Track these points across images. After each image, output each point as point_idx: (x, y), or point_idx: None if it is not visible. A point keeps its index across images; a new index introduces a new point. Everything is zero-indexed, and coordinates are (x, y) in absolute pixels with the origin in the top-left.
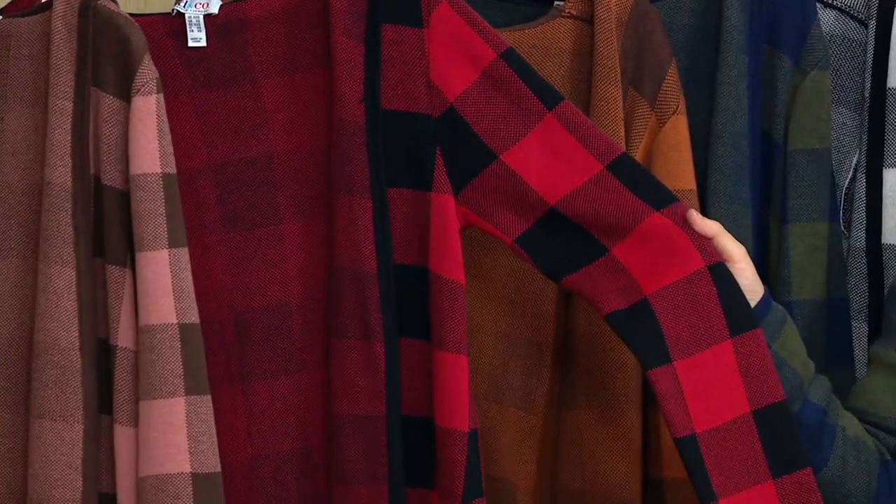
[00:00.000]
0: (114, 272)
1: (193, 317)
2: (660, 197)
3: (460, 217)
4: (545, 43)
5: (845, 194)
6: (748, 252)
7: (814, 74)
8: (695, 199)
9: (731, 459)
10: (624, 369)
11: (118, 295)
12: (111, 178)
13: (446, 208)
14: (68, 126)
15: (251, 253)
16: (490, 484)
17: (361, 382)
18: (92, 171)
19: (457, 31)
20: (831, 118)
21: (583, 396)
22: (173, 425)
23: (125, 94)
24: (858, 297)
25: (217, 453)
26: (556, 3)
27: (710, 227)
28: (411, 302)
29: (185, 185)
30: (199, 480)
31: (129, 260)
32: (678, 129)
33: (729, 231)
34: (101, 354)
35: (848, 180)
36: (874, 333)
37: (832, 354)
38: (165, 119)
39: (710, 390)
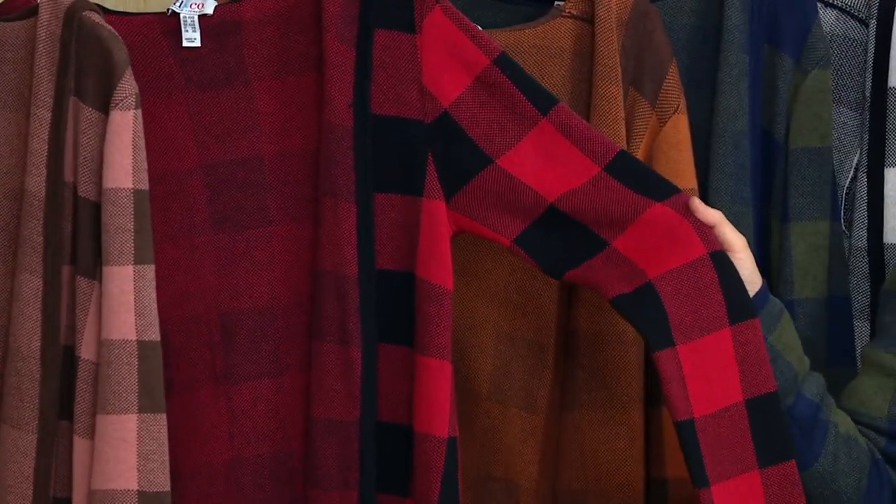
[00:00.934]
0: (82, 283)
1: (154, 334)
2: (661, 189)
3: (452, 223)
4: (545, 43)
5: (846, 193)
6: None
7: (815, 74)
8: None
9: (723, 447)
10: (626, 369)
11: (84, 307)
12: (86, 189)
13: (437, 214)
14: (45, 135)
15: (240, 254)
16: (492, 484)
17: (337, 387)
18: (70, 180)
19: (450, 37)
20: (832, 117)
21: (585, 396)
22: (124, 441)
23: (104, 107)
24: (860, 296)
25: (167, 473)
26: (556, 3)
27: (711, 215)
28: (395, 308)
29: (176, 185)
30: (145, 499)
31: (98, 272)
32: (679, 129)
33: None
34: (68, 363)
35: (849, 179)
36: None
37: (833, 353)
38: (142, 135)
39: (708, 376)
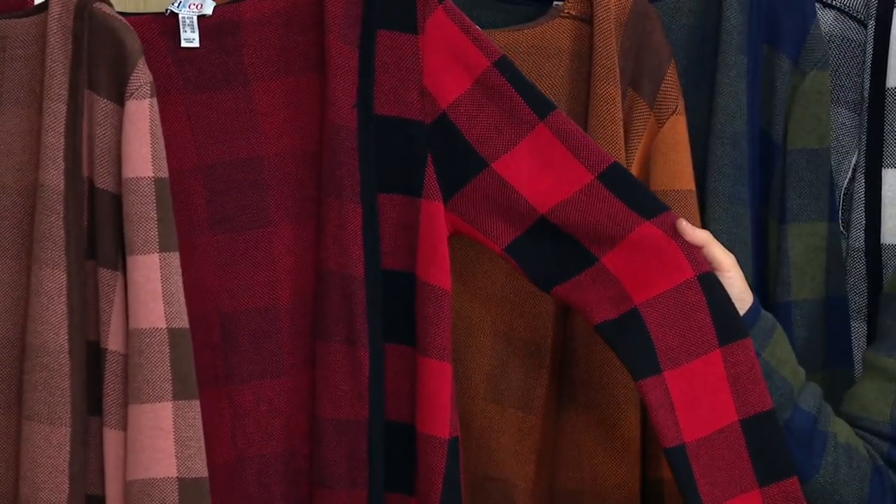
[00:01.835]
0: (105, 275)
1: (183, 321)
2: (650, 206)
3: (449, 224)
4: (544, 43)
5: (844, 194)
6: (747, 252)
7: (813, 74)
8: (694, 200)
9: (719, 468)
10: (622, 369)
11: (109, 298)
12: (104, 181)
13: (435, 215)
14: (61, 129)
15: (239, 255)
16: (489, 484)
17: (345, 386)
18: (86, 173)
19: (451, 38)
20: (830, 118)
21: (582, 397)
22: (161, 430)
23: (119, 98)
24: (857, 297)
25: (204, 458)
26: (555, 3)
27: (699, 236)
28: (398, 307)
29: (175, 185)
30: (185, 485)
31: (120, 263)
32: (677, 130)
33: (728, 231)
34: (92, 357)
35: (847, 180)
36: (873, 334)
37: (831, 354)
38: (159, 123)
39: (700, 400)
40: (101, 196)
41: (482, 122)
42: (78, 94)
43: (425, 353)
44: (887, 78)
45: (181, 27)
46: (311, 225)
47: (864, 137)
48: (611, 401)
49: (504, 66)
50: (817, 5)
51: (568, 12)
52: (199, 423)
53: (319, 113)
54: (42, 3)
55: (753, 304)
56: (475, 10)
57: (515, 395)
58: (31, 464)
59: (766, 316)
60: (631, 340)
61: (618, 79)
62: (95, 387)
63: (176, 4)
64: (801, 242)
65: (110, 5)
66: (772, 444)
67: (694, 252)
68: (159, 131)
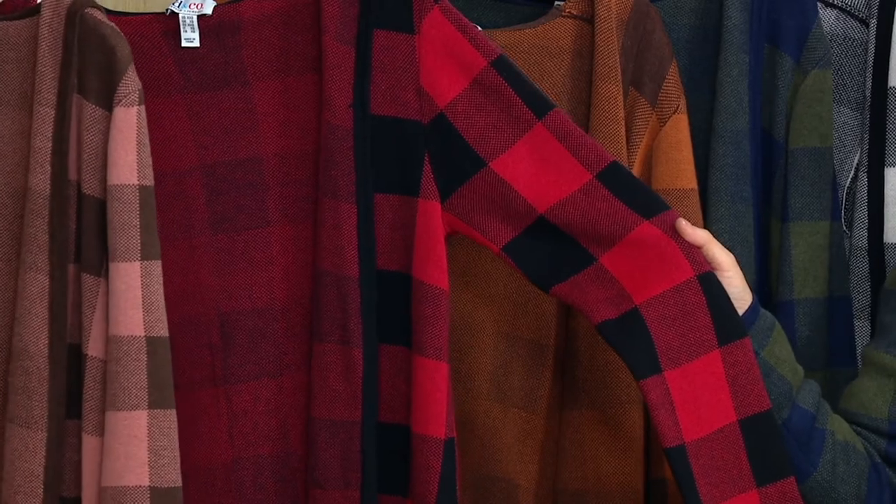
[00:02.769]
0: (88, 281)
1: (162, 330)
2: (650, 205)
3: (446, 224)
4: (546, 43)
5: (847, 193)
6: (750, 251)
7: (815, 73)
8: (696, 198)
9: (718, 468)
10: (625, 369)
11: (91, 304)
12: (90, 186)
13: (432, 214)
14: (49, 133)
15: (238, 255)
16: (492, 483)
17: (339, 387)
18: (74, 178)
19: (448, 38)
20: (832, 117)
21: (584, 396)
22: (135, 438)
23: (108, 104)
24: (860, 295)
25: (178, 468)
26: (556, 2)
27: (699, 235)
28: (394, 308)
29: (175, 185)
30: (157, 494)
31: (104, 269)
32: (679, 129)
33: (730, 230)
34: (73, 361)
35: (849, 179)
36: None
37: (834, 353)
38: (146, 131)
39: (699, 399)
40: (87, 201)
41: (480, 122)
42: (67, 98)
43: (422, 352)
44: (889, 76)
45: (181, 27)
46: (309, 225)
47: (866, 136)
48: (614, 400)
49: (502, 65)
50: (819, 4)
51: (569, 12)
52: (174, 433)
53: (317, 113)
54: (34, 7)
55: (752, 303)
56: (476, 10)
57: (518, 395)
58: (10, 467)
59: (766, 315)
60: (632, 340)
61: (619, 78)
62: (77, 391)
63: (176, 4)
64: (804, 241)
65: (102, 11)
66: (769, 444)
67: (693, 252)
68: (146, 139)
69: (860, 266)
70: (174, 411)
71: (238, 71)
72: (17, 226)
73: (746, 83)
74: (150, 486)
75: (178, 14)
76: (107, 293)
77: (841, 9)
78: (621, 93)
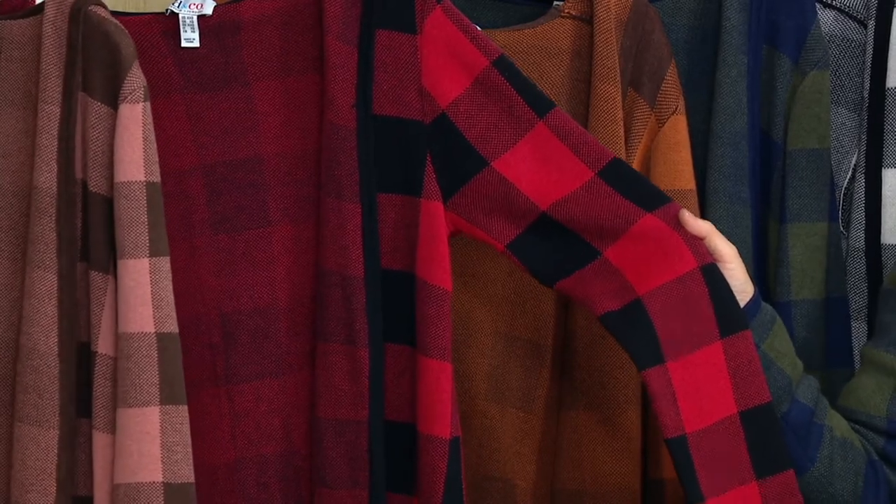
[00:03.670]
0: (96, 278)
1: (172, 326)
2: (652, 199)
3: (449, 223)
4: (544, 43)
5: (844, 194)
6: (748, 251)
7: (813, 75)
8: (694, 199)
9: (718, 460)
10: (623, 369)
11: (100, 301)
12: (97, 184)
13: (435, 214)
14: (55, 131)
15: (239, 255)
16: (489, 484)
17: (345, 387)
18: (80, 176)
19: (450, 38)
20: (830, 118)
21: (582, 396)
22: (147, 434)
23: (113, 101)
24: (857, 296)
25: (191, 464)
26: (555, 3)
27: (701, 227)
28: (398, 307)
29: (175, 186)
30: (171, 490)
31: (111, 266)
32: (677, 129)
33: (728, 231)
34: (83, 360)
35: (847, 180)
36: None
37: (831, 354)
38: (151, 128)
39: (701, 391)
40: (93, 199)
41: (482, 122)
42: (72, 96)
43: (426, 352)
44: (887, 78)
45: (181, 27)
46: (310, 225)
47: (864, 137)
48: (611, 401)
49: (503, 65)
50: (817, 5)
51: (568, 12)
52: (186, 429)
53: (318, 113)
54: (38, 5)
55: (754, 295)
56: (475, 10)
57: (516, 395)
58: (21, 465)
59: (767, 308)
60: (634, 331)
61: (618, 78)
62: (86, 389)
63: (176, 4)
64: (802, 242)
65: (105, 8)
66: (770, 436)
67: (696, 243)
68: (152, 136)
69: (857, 267)
70: (186, 407)
71: (238, 71)
72: (24, 224)
73: (745, 84)
74: (163, 482)
75: (177, 14)
76: (115, 290)
77: (839, 10)
78: (620, 93)
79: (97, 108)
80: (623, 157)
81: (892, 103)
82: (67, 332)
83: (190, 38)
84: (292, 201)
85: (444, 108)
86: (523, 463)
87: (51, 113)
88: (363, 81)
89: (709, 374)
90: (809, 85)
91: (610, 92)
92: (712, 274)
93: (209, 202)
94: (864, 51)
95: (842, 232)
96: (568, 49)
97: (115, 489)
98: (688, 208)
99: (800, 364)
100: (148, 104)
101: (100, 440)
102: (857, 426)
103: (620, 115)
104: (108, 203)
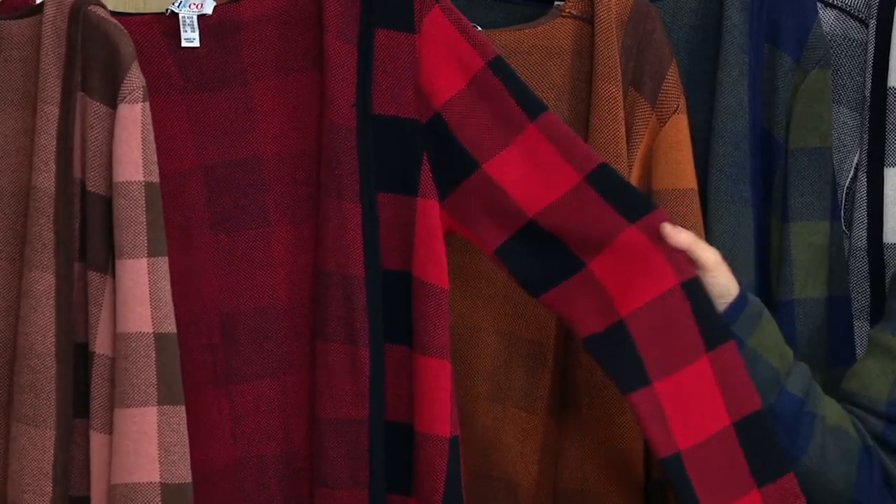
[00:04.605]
0: (94, 278)
1: (170, 326)
2: (636, 207)
3: (444, 223)
4: (545, 43)
5: (846, 193)
6: (749, 250)
7: (815, 73)
8: (696, 198)
9: (716, 473)
10: None
11: (97, 301)
12: (95, 184)
13: (431, 214)
14: (53, 131)
15: (239, 255)
16: (491, 483)
17: (346, 387)
18: (79, 176)
19: (447, 38)
20: (832, 117)
21: (584, 396)
22: (145, 434)
23: (112, 101)
24: (860, 296)
25: (188, 464)
26: (556, 2)
27: (682, 239)
28: (396, 307)
29: (175, 186)
30: (168, 491)
31: (109, 266)
32: (679, 129)
33: (730, 230)
34: (80, 360)
35: (849, 179)
36: None
37: (833, 353)
38: (150, 128)
39: (691, 407)
40: (92, 199)
41: (474, 123)
42: (71, 96)
43: (424, 351)
44: (888, 77)
45: (181, 27)
46: (310, 225)
47: (865, 136)
48: (614, 400)
49: (498, 66)
50: (819, 4)
51: (569, 12)
52: (183, 429)
53: (318, 113)
54: (37, 5)
55: (740, 293)
56: (476, 10)
57: (518, 395)
58: (17, 465)
59: (754, 303)
60: (618, 354)
61: (619, 78)
62: (83, 389)
63: (176, 4)
64: (804, 241)
65: (105, 8)
66: (765, 443)
67: (677, 256)
68: (151, 136)
69: (859, 266)
70: (183, 407)
71: (238, 71)
72: (22, 224)
73: (746, 83)
74: (160, 482)
75: (177, 14)
76: (113, 291)
77: (841, 9)
78: (621, 93)
79: (96, 108)
80: (624, 156)
81: (894, 102)
82: (65, 332)
83: (190, 37)
84: (292, 201)
85: (439, 109)
86: (526, 463)
87: (49, 113)
88: (363, 81)
89: (698, 389)
90: (811, 84)
91: (611, 91)
92: (693, 289)
93: (209, 202)
94: (866, 50)
95: (844, 231)
96: (569, 49)
97: (111, 489)
98: (689, 208)
99: (789, 353)
100: (147, 104)
101: (97, 440)
102: (857, 410)
103: (622, 114)
104: (107, 203)
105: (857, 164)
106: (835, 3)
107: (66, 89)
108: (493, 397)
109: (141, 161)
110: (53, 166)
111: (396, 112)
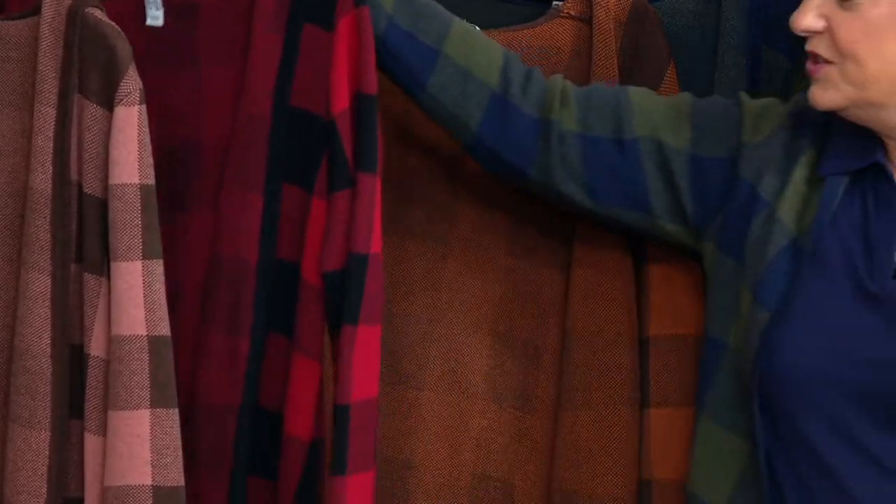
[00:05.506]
0: (90, 280)
1: (164, 329)
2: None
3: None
4: (544, 43)
5: None
6: None
7: None
8: None
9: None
10: (620, 370)
11: (93, 303)
12: (91, 186)
13: (322, 212)
14: (50, 132)
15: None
16: (487, 483)
17: (221, 374)
18: (75, 178)
19: (353, 48)
20: None
21: (579, 397)
22: (138, 437)
23: (108, 103)
24: None
25: (181, 467)
26: (554, 3)
27: None
28: (286, 298)
29: None
30: (160, 494)
31: (105, 269)
32: None
33: None
34: (75, 361)
35: None
36: None
37: None
38: (147, 130)
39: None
40: (88, 201)
41: (350, 143)
42: (68, 98)
43: (299, 348)
44: None
45: (147, 5)
46: (216, 213)
47: None
48: (609, 401)
49: (365, 104)
50: None
51: (567, 12)
52: (176, 432)
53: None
54: (36, 7)
55: None
56: (475, 10)
57: (514, 396)
58: (13, 466)
59: None
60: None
61: (617, 79)
62: (79, 391)
63: None
64: None
65: (102, 10)
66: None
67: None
68: (147, 138)
69: None
70: (176, 410)
71: (193, 53)
72: (19, 225)
73: (744, 84)
74: (152, 485)
75: None
76: (108, 293)
77: None
78: None
79: (93, 110)
80: None
81: None
82: (60, 333)
83: (155, 16)
84: (213, 188)
85: (336, 115)
86: (521, 463)
87: (46, 114)
88: (284, 72)
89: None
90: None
91: None
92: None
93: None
94: None
95: None
96: (567, 49)
97: (104, 492)
98: None
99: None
100: (144, 107)
101: (92, 442)
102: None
103: None
104: (103, 205)
105: None
106: None
107: (63, 91)
108: (489, 397)
109: (137, 163)
110: (50, 168)
111: (311, 107)
